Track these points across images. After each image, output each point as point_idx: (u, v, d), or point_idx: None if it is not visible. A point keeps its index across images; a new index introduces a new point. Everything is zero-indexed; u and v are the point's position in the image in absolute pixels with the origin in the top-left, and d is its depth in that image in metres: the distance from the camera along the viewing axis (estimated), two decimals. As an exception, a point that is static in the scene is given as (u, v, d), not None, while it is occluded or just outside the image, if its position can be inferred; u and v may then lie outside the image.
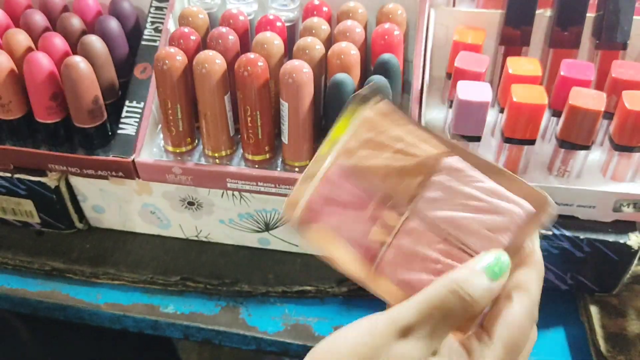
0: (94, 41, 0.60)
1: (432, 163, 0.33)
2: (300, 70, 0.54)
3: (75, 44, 0.60)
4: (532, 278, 0.32)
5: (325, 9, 0.62)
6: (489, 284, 0.30)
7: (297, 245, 0.64)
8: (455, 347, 0.30)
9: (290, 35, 0.63)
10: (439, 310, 0.29)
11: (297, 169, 0.58)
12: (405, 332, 0.29)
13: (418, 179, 0.33)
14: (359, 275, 0.33)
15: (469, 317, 0.30)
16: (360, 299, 0.62)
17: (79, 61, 0.57)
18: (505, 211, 0.32)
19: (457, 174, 0.33)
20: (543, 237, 0.56)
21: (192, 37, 0.58)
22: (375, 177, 0.34)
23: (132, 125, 0.60)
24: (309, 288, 0.62)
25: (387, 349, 0.29)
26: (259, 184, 0.58)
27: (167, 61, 0.55)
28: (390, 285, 0.33)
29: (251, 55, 0.55)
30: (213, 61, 0.55)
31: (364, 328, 0.31)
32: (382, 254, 0.33)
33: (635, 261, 0.57)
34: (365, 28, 0.60)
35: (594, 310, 0.60)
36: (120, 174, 0.60)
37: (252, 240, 0.65)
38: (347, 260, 0.34)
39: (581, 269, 0.58)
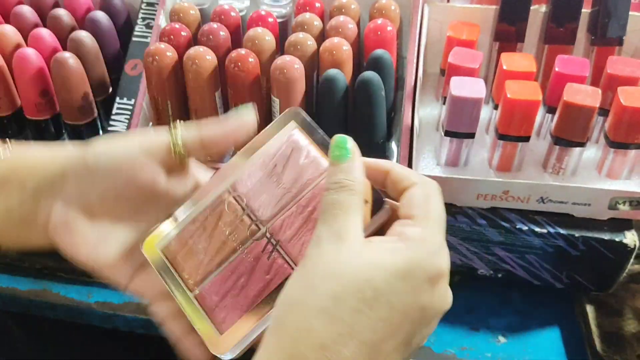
0: (84, 37, 0.59)
1: (226, 201, 0.38)
2: (292, 66, 0.53)
3: (65, 40, 0.60)
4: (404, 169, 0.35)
5: (318, 4, 0.61)
6: (346, 163, 0.33)
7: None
8: (386, 237, 0.32)
9: (283, 31, 0.62)
10: (333, 205, 0.32)
11: (289, 167, 0.58)
12: (332, 235, 0.31)
13: (237, 213, 0.38)
14: None
15: (361, 200, 0.32)
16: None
17: (68, 57, 0.56)
18: (290, 146, 0.37)
19: (245, 180, 0.38)
20: (538, 235, 0.56)
21: (183, 33, 0.58)
22: (219, 254, 0.38)
23: (123, 122, 0.59)
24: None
25: (332, 256, 0.30)
26: (251, 181, 0.57)
27: (157, 57, 0.54)
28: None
29: (242, 51, 0.54)
30: (203, 57, 0.54)
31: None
32: (288, 258, 0.36)
33: (632, 260, 0.56)
34: (358, 24, 0.59)
35: (589, 309, 0.60)
36: (111, 171, 0.59)
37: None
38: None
39: (577, 267, 0.58)
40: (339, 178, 0.32)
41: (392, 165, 0.35)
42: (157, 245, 0.39)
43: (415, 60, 0.59)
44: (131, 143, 0.37)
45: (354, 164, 0.33)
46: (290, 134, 0.38)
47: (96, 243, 0.37)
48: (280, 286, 0.35)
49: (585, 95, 0.52)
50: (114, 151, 0.37)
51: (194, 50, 0.54)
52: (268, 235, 0.37)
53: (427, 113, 0.63)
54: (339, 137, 0.34)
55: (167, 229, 0.39)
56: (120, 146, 0.37)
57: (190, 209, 0.39)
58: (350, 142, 0.34)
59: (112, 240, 0.38)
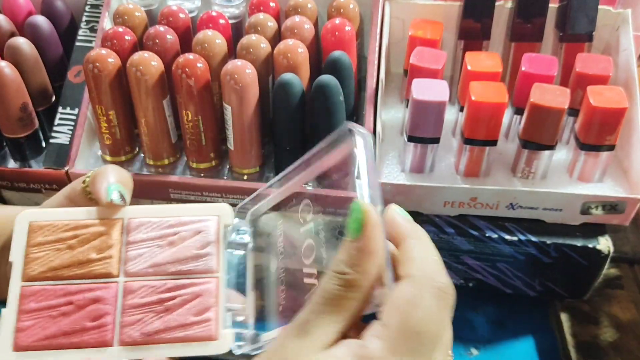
0: (22, 44, 0.55)
1: (113, 231, 0.35)
2: (243, 70, 0.49)
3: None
4: (412, 248, 0.28)
5: (272, 4, 0.58)
6: (353, 244, 0.27)
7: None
8: (352, 341, 0.27)
9: (236, 34, 0.59)
10: (323, 297, 0.27)
11: (245, 177, 0.54)
12: (301, 328, 0.27)
13: (112, 249, 0.35)
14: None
15: (356, 297, 0.27)
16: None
17: (3, 66, 0.52)
18: (200, 229, 0.36)
19: (143, 228, 0.35)
20: (508, 243, 0.53)
21: (127, 37, 0.54)
22: (69, 270, 0.34)
23: (66, 133, 0.55)
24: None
25: (287, 349, 0.27)
26: (204, 193, 0.54)
27: (97, 64, 0.51)
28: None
29: (190, 55, 0.50)
30: (148, 63, 0.50)
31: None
32: (118, 324, 0.33)
33: (607, 265, 0.54)
34: (315, 24, 0.56)
35: (564, 317, 0.57)
36: (55, 186, 0.55)
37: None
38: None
39: (550, 275, 0.55)
40: (338, 265, 0.27)
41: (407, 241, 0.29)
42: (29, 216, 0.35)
43: (376, 61, 0.56)
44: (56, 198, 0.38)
45: (362, 250, 0.27)
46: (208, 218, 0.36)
47: None
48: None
49: (553, 95, 0.49)
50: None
51: (138, 56, 0.50)
52: (120, 287, 0.34)
53: (392, 116, 0.59)
54: (355, 207, 0.27)
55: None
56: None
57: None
58: (366, 221, 0.27)
59: None
